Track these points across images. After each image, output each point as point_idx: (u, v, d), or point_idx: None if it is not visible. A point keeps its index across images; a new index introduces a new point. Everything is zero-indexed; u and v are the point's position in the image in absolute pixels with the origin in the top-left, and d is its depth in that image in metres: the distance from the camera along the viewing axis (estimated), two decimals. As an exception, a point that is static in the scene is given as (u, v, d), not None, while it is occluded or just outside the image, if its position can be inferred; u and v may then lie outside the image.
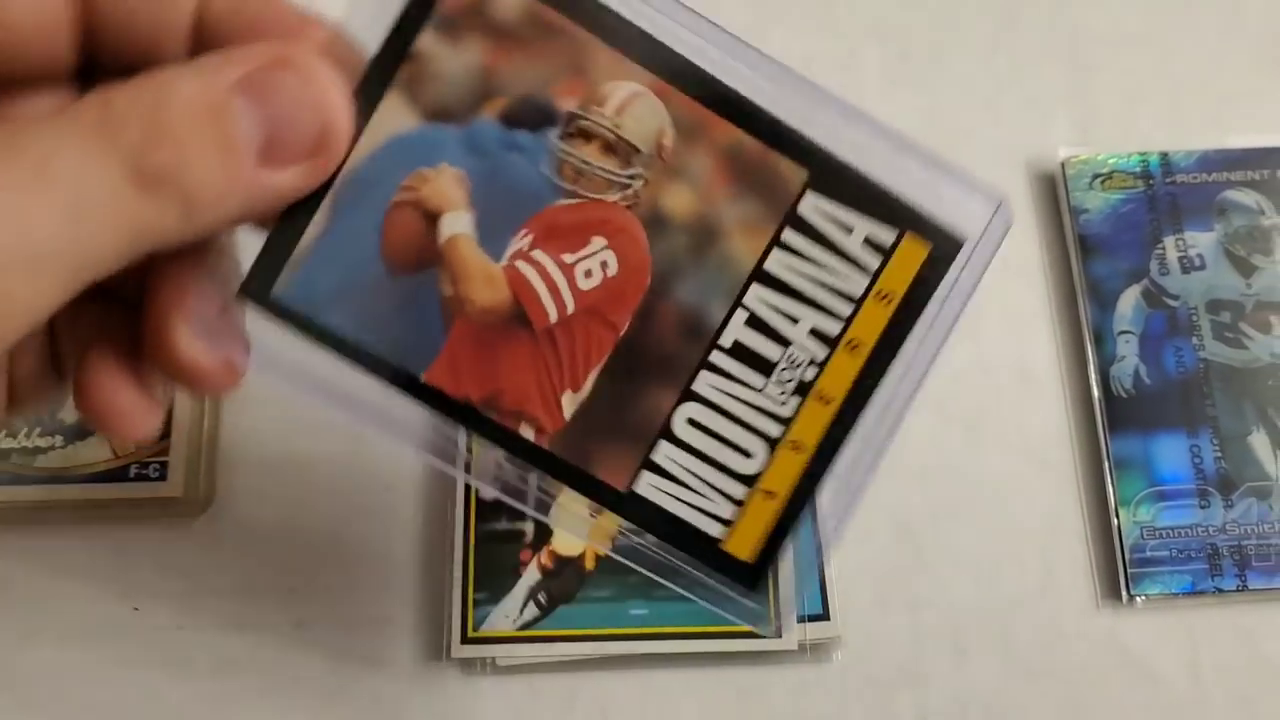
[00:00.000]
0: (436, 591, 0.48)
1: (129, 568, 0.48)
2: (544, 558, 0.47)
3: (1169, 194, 0.52)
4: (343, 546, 0.49)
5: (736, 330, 0.29)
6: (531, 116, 0.29)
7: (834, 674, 0.47)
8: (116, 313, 0.28)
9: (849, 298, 0.29)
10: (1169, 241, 0.51)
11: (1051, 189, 0.53)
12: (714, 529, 0.30)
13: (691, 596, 0.31)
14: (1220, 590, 0.47)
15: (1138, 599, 0.47)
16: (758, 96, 0.28)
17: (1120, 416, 0.49)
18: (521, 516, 0.48)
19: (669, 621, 0.46)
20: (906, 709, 0.46)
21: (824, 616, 0.47)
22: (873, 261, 0.29)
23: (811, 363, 0.29)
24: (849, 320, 0.29)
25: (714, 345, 0.29)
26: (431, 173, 0.28)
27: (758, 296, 0.29)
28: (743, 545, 0.30)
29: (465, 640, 0.46)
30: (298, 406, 0.50)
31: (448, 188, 0.29)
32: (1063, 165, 0.53)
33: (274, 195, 0.25)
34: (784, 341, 0.29)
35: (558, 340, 0.30)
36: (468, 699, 0.46)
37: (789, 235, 0.29)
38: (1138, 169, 0.53)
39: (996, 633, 0.47)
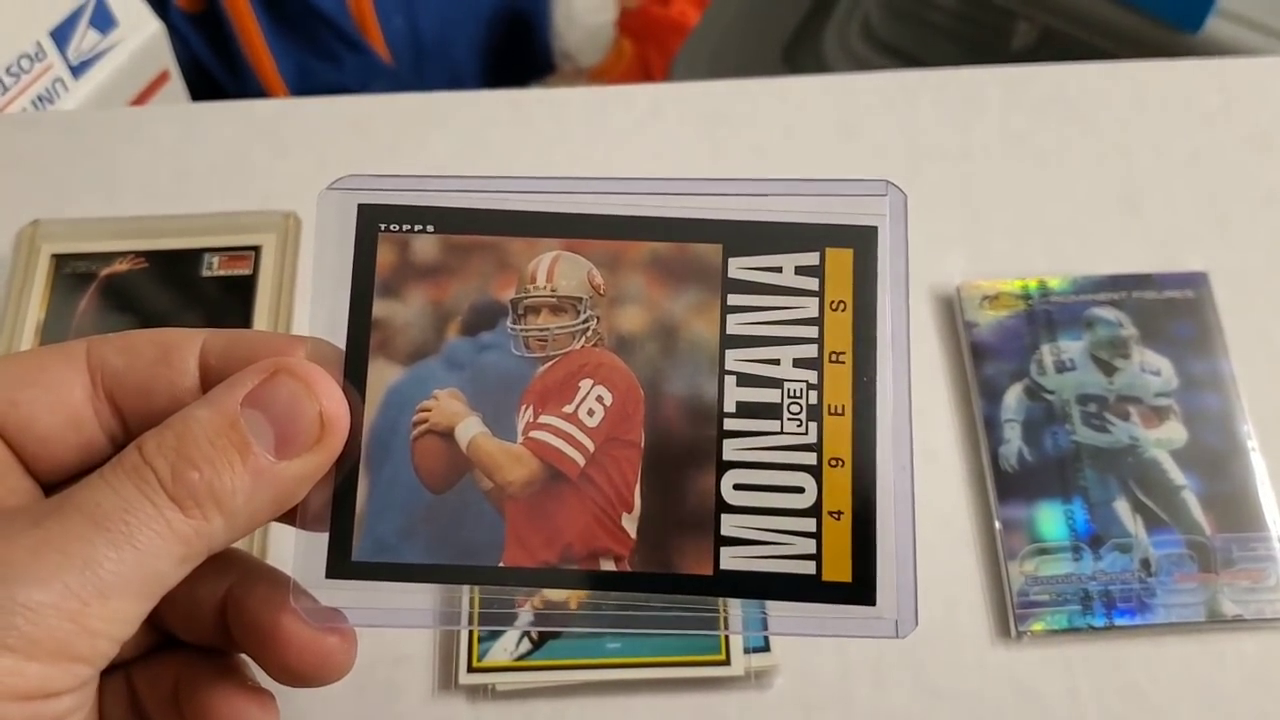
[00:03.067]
0: (447, 632, 0.58)
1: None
2: (536, 603, 0.58)
3: (1045, 311, 0.65)
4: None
5: (733, 394, 0.32)
6: (485, 319, 0.33)
7: (775, 697, 0.56)
8: (192, 663, 0.32)
9: (810, 321, 0.32)
10: (1045, 349, 0.64)
11: (949, 308, 0.66)
12: (807, 568, 0.31)
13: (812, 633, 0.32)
14: (1092, 627, 0.57)
15: (1024, 635, 0.57)
16: (644, 210, 0.33)
17: (1008, 488, 0.60)
18: (518, 569, 0.58)
19: (639, 653, 0.57)
20: (836, 728, 0.56)
21: (765, 648, 0.57)
22: (812, 283, 0.32)
23: (809, 387, 0.32)
24: (820, 338, 0.32)
25: (722, 415, 0.32)
26: (431, 401, 0.33)
27: (736, 359, 0.32)
28: (837, 569, 0.31)
29: (470, 670, 0.57)
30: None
31: (449, 405, 0.33)
32: (958, 289, 0.65)
33: (297, 481, 0.29)
34: (777, 383, 0.32)
35: (594, 478, 0.33)
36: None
37: (733, 299, 0.32)
38: (1020, 292, 0.65)
39: (909, 663, 0.57)
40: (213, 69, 1.32)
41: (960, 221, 0.69)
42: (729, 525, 0.32)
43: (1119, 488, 0.60)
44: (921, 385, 0.64)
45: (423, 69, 1.50)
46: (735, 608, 0.32)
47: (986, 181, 0.70)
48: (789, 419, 0.32)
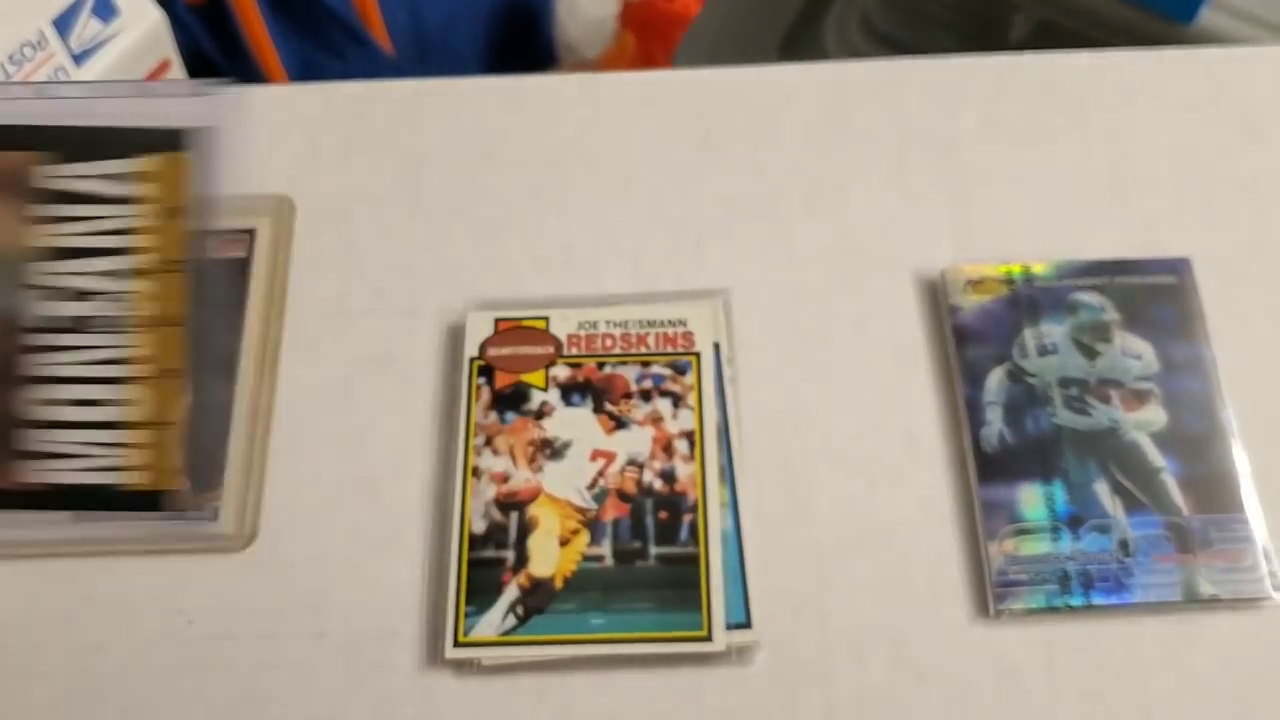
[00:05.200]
0: (436, 608, 0.59)
1: (186, 590, 0.60)
2: (522, 579, 0.59)
3: (1028, 295, 0.65)
4: (360, 572, 0.60)
5: (38, 309, 0.30)
6: None
7: (756, 674, 0.57)
8: None
9: (126, 231, 0.30)
10: (1028, 332, 0.64)
11: (933, 293, 0.66)
12: (108, 479, 0.30)
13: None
14: (1070, 606, 0.58)
15: (1003, 614, 0.58)
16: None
17: (989, 469, 0.61)
18: (505, 545, 0.59)
19: (622, 629, 0.57)
20: (816, 704, 0.57)
21: (746, 625, 0.58)
22: (130, 192, 0.30)
23: (119, 298, 0.30)
24: (138, 248, 0.30)
25: (22, 331, 0.30)
26: None
27: (45, 272, 0.30)
28: (148, 478, 0.30)
29: (456, 645, 0.57)
30: (329, 460, 0.62)
31: None
32: (943, 274, 0.66)
33: None
34: (87, 295, 0.30)
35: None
36: (459, 694, 0.57)
37: (43, 210, 0.30)
38: (1004, 277, 0.66)
39: (889, 641, 0.58)
40: (217, 62, 1.33)
41: (946, 207, 0.69)
42: (35, 441, 0.30)
43: (1099, 470, 0.61)
44: (905, 368, 0.65)
45: (426, 62, 1.51)
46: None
47: (973, 168, 0.71)
48: (98, 332, 0.30)
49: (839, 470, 0.62)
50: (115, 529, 0.61)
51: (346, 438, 0.63)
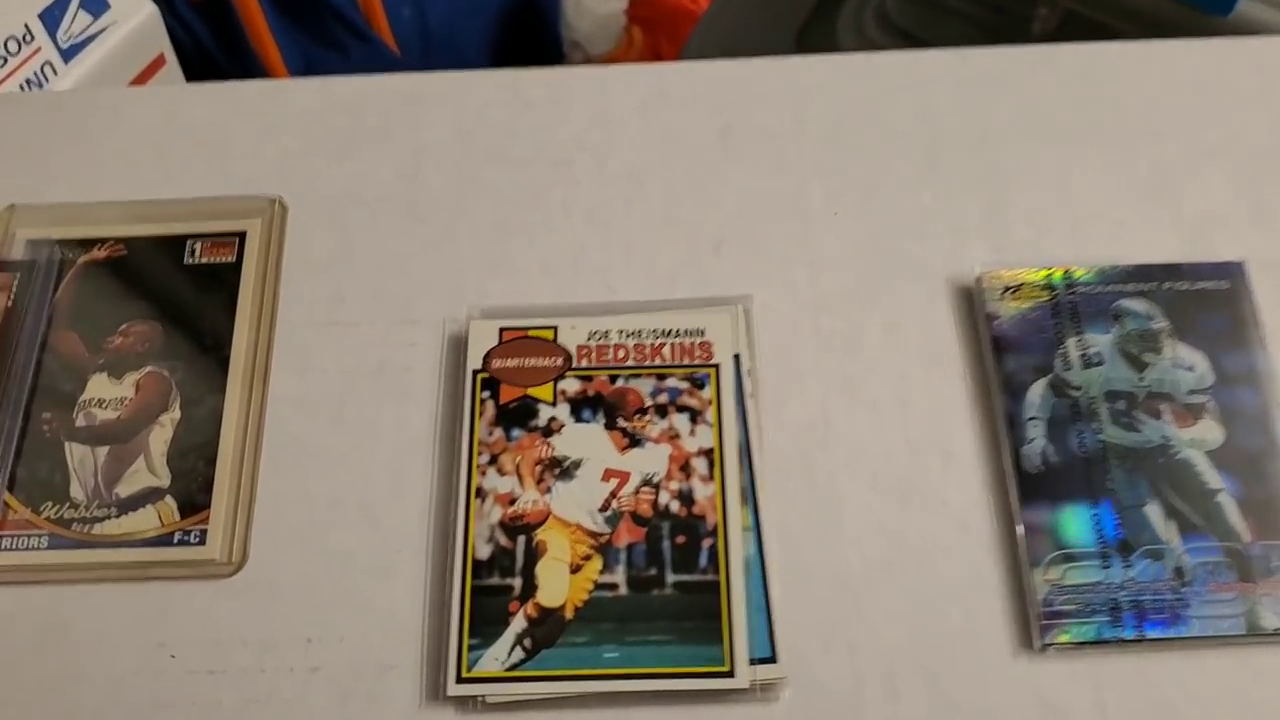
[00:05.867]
0: (436, 640, 0.55)
1: (169, 620, 0.56)
2: (530, 609, 0.55)
3: (1070, 302, 0.61)
4: (355, 601, 0.56)
5: None
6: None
7: (781, 712, 0.53)
8: None
9: None
10: (1071, 342, 0.60)
11: (968, 300, 0.62)
12: None
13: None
14: (1121, 639, 0.54)
15: (1049, 647, 0.54)
16: None
17: (1031, 490, 0.57)
18: (511, 573, 0.55)
19: (638, 663, 0.53)
20: (847, 744, 0.53)
21: (772, 659, 0.53)
22: None
23: None
24: None
25: None
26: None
27: None
28: None
29: (459, 680, 0.53)
30: (322, 480, 0.58)
31: None
32: (978, 279, 0.62)
33: None
34: None
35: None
36: (461, 734, 0.53)
37: None
38: (1043, 282, 0.62)
39: (925, 677, 0.54)
40: (218, 59, 1.29)
41: (980, 209, 0.65)
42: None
43: (1150, 490, 0.56)
44: (940, 380, 0.60)
45: (431, 59, 1.47)
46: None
47: (1008, 166, 0.66)
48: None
49: (869, 491, 0.58)
50: (92, 553, 0.57)
51: (341, 455, 0.59)
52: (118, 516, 0.58)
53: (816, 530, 0.57)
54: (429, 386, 0.61)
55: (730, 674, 0.53)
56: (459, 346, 0.61)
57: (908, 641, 0.55)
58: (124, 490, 0.58)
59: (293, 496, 0.58)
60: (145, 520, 0.58)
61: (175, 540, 0.57)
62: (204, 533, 0.57)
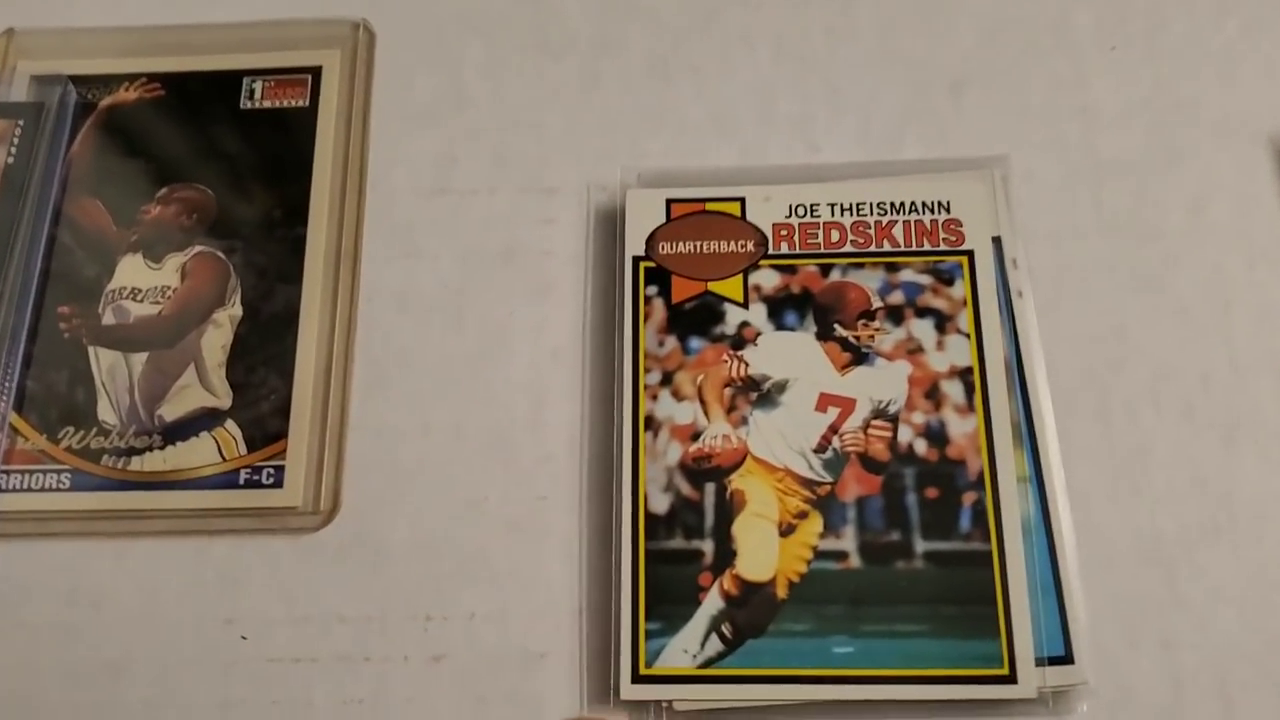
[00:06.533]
0: (601, 621, 0.40)
1: (237, 589, 0.42)
2: (727, 582, 0.40)
3: None
4: (489, 566, 0.42)
5: None
6: None
7: (1079, 728, 0.39)
8: None
9: None
10: None
11: (1303, 164, 0.46)
12: None
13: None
14: None
15: None
16: None
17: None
18: (700, 533, 0.41)
19: (880, 662, 0.39)
20: (1164, 773, 0.39)
21: (1067, 659, 0.39)
22: None
23: None
24: None
25: None
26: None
27: None
28: None
29: (636, 679, 0.39)
30: (436, 402, 0.44)
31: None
32: (1313, 139, 0.46)
33: None
34: None
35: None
36: (640, 751, 0.39)
37: None
38: (1400, 144, 0.45)
39: (1269, 677, 0.39)
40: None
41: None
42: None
43: None
44: (1269, 277, 0.45)
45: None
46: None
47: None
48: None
49: (1183, 427, 0.43)
50: (130, 496, 0.42)
51: (459, 369, 0.44)
52: (163, 447, 0.43)
53: (1112, 482, 0.42)
54: (573, 277, 0.46)
55: (1011, 679, 0.38)
56: (611, 223, 0.46)
57: (1245, 634, 0.40)
58: (170, 412, 0.44)
59: (398, 424, 0.44)
60: (200, 453, 0.43)
61: (242, 481, 0.42)
62: (280, 470, 0.42)
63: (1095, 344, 0.44)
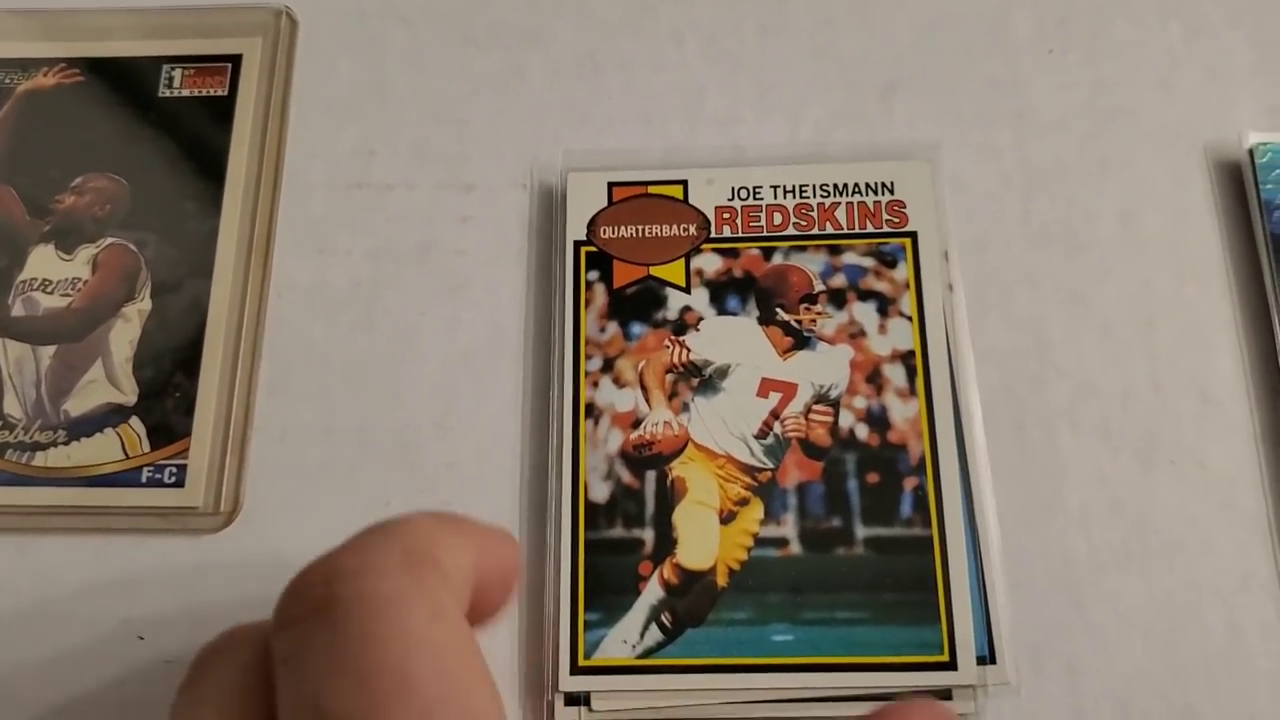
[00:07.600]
0: (538, 614, 0.40)
1: (136, 589, 0.41)
2: (668, 571, 0.40)
3: (1380, 187, 0.44)
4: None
5: None
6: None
7: (982, 743, 0.38)
8: None
9: None
10: (1382, 243, 0.43)
11: (1238, 181, 0.45)
12: None
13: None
14: None
15: (1349, 674, 0.38)
16: None
17: (1324, 450, 0.41)
18: (640, 522, 0.40)
19: (820, 649, 0.38)
20: (1062, 796, 0.38)
21: (989, 659, 0.38)
22: None
23: None
24: None
25: None
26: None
27: None
28: None
29: (576, 670, 0.39)
30: (344, 399, 0.43)
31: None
32: (1250, 153, 0.45)
33: None
34: None
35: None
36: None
37: None
38: (1342, 156, 0.44)
39: (1172, 707, 0.39)
40: None
41: (1251, 49, 0.47)
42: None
43: None
44: (1197, 294, 0.44)
45: None
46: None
47: (1284, -6, 0.48)
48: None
49: (1098, 444, 0.42)
50: (30, 492, 0.42)
51: (368, 369, 0.44)
52: (67, 443, 0.43)
53: (1025, 501, 0.41)
54: (512, 263, 0.45)
55: (951, 665, 0.38)
56: (551, 207, 0.45)
57: (1147, 659, 0.39)
58: (75, 407, 0.43)
59: (309, 422, 0.43)
60: (104, 449, 0.42)
61: (144, 479, 0.42)
62: (183, 470, 0.42)
63: (1014, 356, 0.43)
